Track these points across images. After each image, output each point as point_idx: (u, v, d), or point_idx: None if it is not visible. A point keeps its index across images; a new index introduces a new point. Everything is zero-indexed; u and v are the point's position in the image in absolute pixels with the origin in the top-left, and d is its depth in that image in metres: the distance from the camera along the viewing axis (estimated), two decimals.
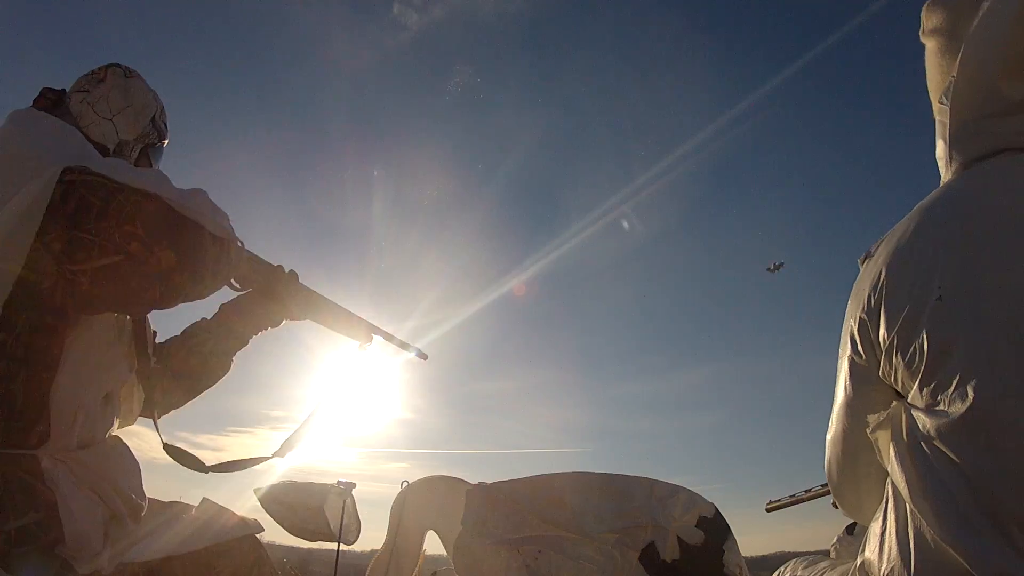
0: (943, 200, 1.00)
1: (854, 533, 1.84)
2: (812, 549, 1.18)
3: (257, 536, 1.37)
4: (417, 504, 2.52)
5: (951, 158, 1.06)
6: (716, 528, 1.68)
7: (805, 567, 1.22)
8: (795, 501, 2.18)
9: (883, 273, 0.96)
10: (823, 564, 1.19)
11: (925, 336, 0.88)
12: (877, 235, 1.09)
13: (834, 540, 2.21)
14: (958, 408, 0.82)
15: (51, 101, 1.33)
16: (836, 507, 1.20)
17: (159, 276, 1.04)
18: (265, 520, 2.85)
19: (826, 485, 1.71)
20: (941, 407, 0.85)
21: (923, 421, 0.86)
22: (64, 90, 1.38)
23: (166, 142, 1.52)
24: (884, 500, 0.95)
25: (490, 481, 2.30)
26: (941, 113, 1.06)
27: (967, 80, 1.01)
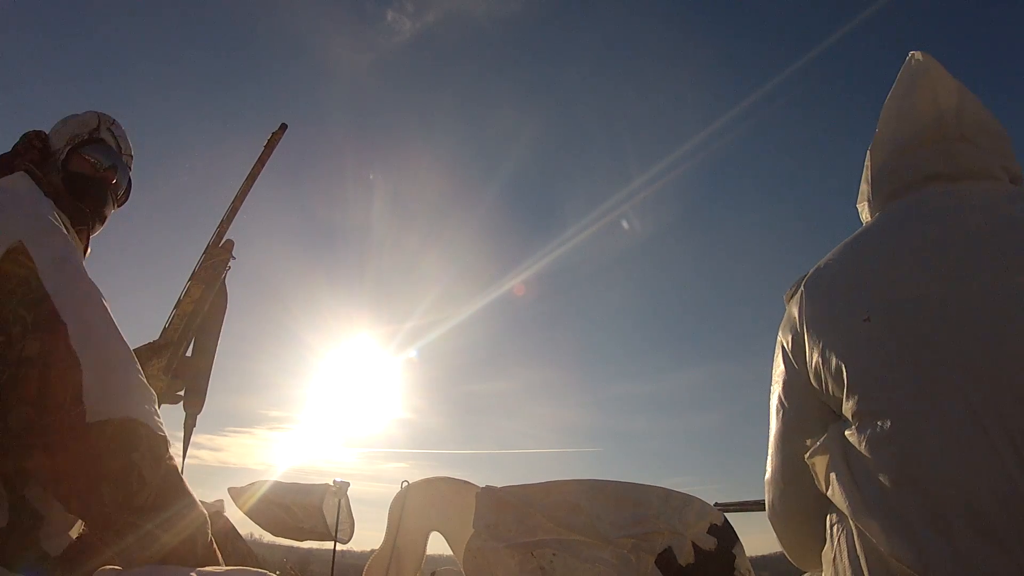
0: (863, 234, 1.08)
1: None
2: None
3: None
4: (419, 505, 2.53)
5: (872, 198, 1.16)
6: (726, 535, 1.83)
7: None
8: (743, 508, 2.32)
9: (805, 302, 1.02)
10: None
11: (849, 357, 0.92)
12: None
13: None
14: (887, 421, 0.86)
15: (39, 151, 1.45)
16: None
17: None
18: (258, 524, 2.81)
19: None
20: (872, 423, 0.88)
21: (857, 439, 0.90)
22: (47, 139, 1.49)
23: (112, 154, 1.54)
24: (829, 526, 0.97)
25: (492, 481, 2.35)
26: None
27: (884, 130, 1.15)
